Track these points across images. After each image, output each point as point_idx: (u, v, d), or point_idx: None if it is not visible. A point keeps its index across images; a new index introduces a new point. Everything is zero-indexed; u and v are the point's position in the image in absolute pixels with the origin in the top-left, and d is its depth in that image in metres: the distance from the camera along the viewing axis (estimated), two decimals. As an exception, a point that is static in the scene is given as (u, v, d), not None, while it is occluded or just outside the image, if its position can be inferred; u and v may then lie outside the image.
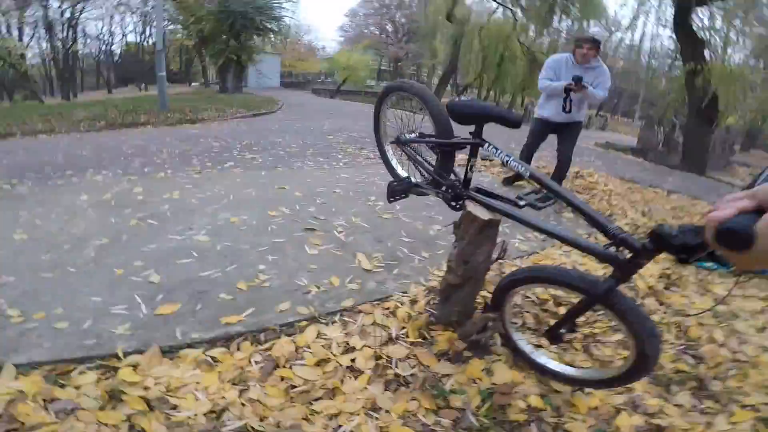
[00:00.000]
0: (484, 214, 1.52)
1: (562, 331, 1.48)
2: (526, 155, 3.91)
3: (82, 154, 5.18)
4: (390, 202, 1.82)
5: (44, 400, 1.38)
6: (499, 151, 1.54)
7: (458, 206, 1.70)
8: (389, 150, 2.27)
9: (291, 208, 3.14)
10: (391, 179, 1.94)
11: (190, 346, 1.67)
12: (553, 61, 3.60)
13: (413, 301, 2.05)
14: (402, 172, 2.17)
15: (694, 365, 1.80)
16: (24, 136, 6.90)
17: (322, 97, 21.23)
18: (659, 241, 1.07)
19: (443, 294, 1.78)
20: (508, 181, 4.24)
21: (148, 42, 29.91)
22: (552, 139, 3.91)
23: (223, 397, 1.43)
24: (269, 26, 17.50)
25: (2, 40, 20.81)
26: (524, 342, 1.63)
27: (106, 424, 1.30)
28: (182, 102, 11.36)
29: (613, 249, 1.19)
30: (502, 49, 16.04)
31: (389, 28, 34.02)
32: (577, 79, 3.25)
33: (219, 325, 1.78)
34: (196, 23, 16.50)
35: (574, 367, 1.58)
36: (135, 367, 1.54)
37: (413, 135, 1.95)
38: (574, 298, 1.36)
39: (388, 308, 1.98)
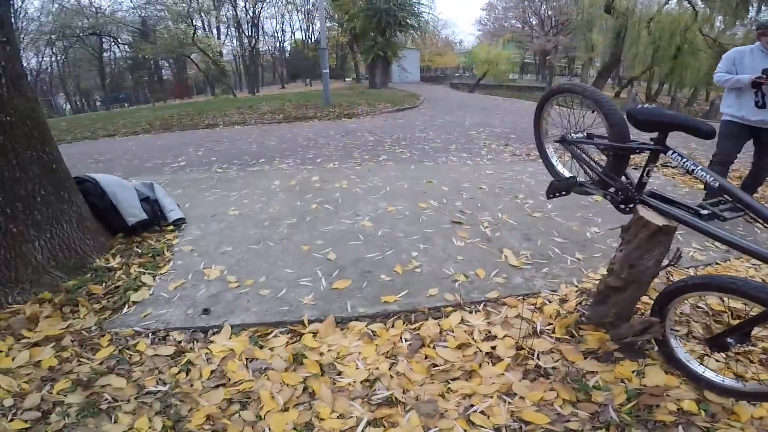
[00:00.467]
0: (658, 220, 1.48)
1: (730, 340, 1.39)
2: (720, 164, 3.20)
3: (270, 145, 6.31)
4: (549, 198, 1.86)
5: (247, 359, 1.66)
6: (684, 159, 1.48)
7: (628, 209, 1.67)
8: (549, 148, 2.28)
9: (439, 201, 3.37)
10: (552, 178, 1.98)
11: (357, 319, 1.92)
12: (734, 51, 3.07)
13: (563, 300, 2.05)
14: (562, 171, 2.18)
15: None
16: (225, 127, 8.63)
17: (460, 92, 21.13)
18: None
19: (600, 295, 1.77)
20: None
21: (311, 39, 33.79)
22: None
23: (377, 368, 1.62)
24: (410, 22, 18.17)
25: (206, 38, 25.78)
26: (682, 350, 1.56)
27: (287, 384, 1.54)
28: (340, 97, 12.68)
29: None
30: (680, 41, 13.90)
31: (533, 20, 31.99)
32: None
33: (379, 303, 2.04)
34: (350, 21, 18.05)
35: (734, 379, 1.46)
36: (315, 334, 1.81)
37: (580, 135, 1.95)
38: (759, 308, 1.26)
39: (534, 304, 2.03)
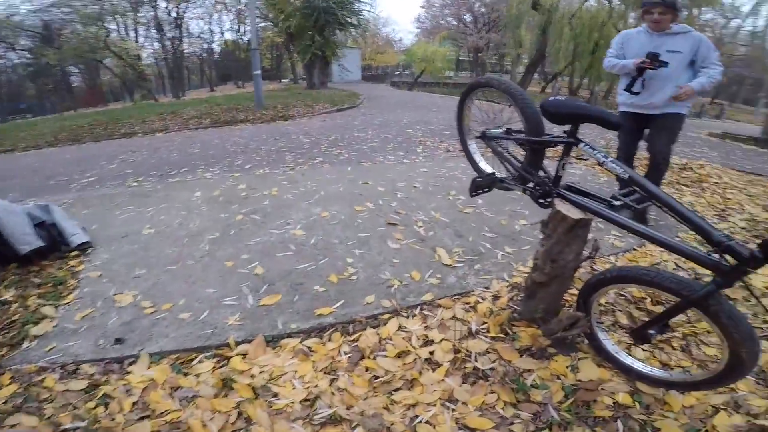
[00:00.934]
0: (574, 213, 1.50)
1: (652, 331, 1.44)
2: (623, 158, 3.03)
3: (193, 152, 5.89)
4: (472, 196, 1.86)
5: (171, 388, 1.56)
6: (595, 151, 1.51)
7: (546, 203, 1.69)
8: (472, 144, 2.28)
9: (375, 203, 3.30)
10: (475, 174, 1.97)
11: (289, 335, 1.83)
12: (622, 34, 2.90)
13: (495, 297, 2.06)
14: (485, 167, 2.18)
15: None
16: (145, 135, 7.97)
17: (400, 90, 21.41)
18: None
19: (528, 291, 1.78)
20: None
21: (243, 39, 32.20)
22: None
23: (316, 386, 1.55)
24: (350, 20, 17.99)
25: (122, 41, 23.72)
26: (609, 342, 1.60)
27: (219, 411, 1.45)
28: (275, 99, 12.23)
29: (717, 255, 1.14)
30: (597, 37, 15.01)
31: (467, 18, 33.03)
32: (653, 56, 2.51)
33: (313, 317, 1.93)
34: (285, 20, 17.43)
35: (661, 369, 1.52)
36: (244, 356, 1.71)
37: (500, 130, 1.95)
38: (673, 298, 1.31)
39: (468, 303, 2.03)
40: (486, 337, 1.79)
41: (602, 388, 1.50)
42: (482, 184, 1.82)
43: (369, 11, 20.33)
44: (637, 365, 1.52)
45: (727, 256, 1.12)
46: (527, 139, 1.73)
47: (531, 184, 1.75)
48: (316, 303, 2.03)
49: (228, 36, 35.56)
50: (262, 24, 23.54)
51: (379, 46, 33.65)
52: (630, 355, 1.58)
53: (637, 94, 2.69)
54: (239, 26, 31.43)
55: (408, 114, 9.68)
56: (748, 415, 1.39)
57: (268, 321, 1.91)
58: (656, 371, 1.49)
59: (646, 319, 1.84)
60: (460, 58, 35.39)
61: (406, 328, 1.86)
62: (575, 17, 15.54)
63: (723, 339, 1.19)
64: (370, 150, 5.61)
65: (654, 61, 2.51)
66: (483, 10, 31.42)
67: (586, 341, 1.69)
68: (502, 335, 1.79)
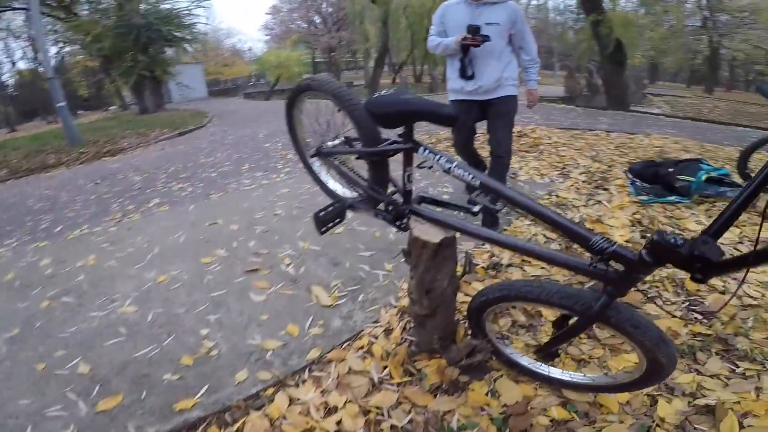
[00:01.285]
0: (434, 236, 1.30)
1: (558, 348, 1.32)
2: (461, 153, 2.78)
3: (-22, 222, 4.43)
4: (322, 233, 1.50)
5: None
6: (438, 156, 1.29)
7: (403, 225, 1.46)
8: (316, 163, 1.94)
9: (227, 247, 2.78)
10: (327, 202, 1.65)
11: None
12: (442, 7, 2.51)
13: (387, 331, 1.83)
14: (336, 188, 1.88)
15: (709, 324, 1.68)
16: None
17: (256, 101, 20.39)
18: (661, 252, 0.88)
19: (417, 321, 1.58)
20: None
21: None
22: None
23: None
24: (180, 35, 16.35)
25: None
26: (518, 354, 1.47)
27: None
28: (98, 131, 10.34)
29: (602, 264, 1.00)
30: (427, 24, 16.09)
31: (317, 19, 33.03)
32: (473, 29, 2.27)
33: (174, 413, 1.52)
34: (94, 42, 15.02)
35: (582, 373, 1.42)
36: None
37: (336, 142, 1.66)
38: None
39: (361, 347, 1.76)
40: (392, 385, 1.54)
41: (531, 408, 1.36)
42: (327, 217, 1.45)
43: (204, 24, 18.73)
44: (555, 373, 1.39)
45: (612, 263, 1.00)
46: (359, 150, 1.46)
47: (381, 206, 1.50)
48: (172, 396, 1.60)
49: (22, 65, 29.45)
50: (68, 48, 19.94)
51: (224, 59, 32.11)
52: (544, 363, 1.46)
53: (471, 77, 2.42)
54: (35, 53, 26.03)
55: (265, 126, 8.99)
56: (685, 396, 1.36)
57: (116, 429, 1.49)
58: (577, 376, 1.37)
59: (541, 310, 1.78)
60: (316, 60, 35.16)
61: (299, 399, 1.53)
62: (408, 7, 16.44)
63: (634, 347, 1.08)
64: (221, 176, 4.91)
65: (476, 35, 2.26)
66: (330, 9, 31.71)
67: (495, 358, 1.54)
68: (407, 378, 1.56)
